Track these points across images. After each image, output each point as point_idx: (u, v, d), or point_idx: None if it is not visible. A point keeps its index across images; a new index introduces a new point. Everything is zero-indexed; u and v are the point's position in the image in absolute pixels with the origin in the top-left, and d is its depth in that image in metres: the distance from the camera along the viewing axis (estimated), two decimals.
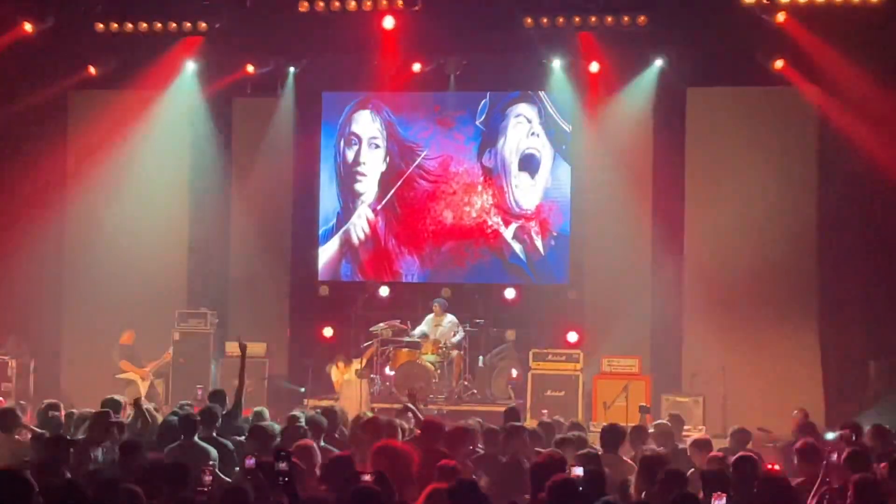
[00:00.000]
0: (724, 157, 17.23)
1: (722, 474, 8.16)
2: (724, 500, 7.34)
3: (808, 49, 15.67)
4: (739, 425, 11.26)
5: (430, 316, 17.54)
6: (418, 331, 17.48)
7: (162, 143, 18.21)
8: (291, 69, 18.11)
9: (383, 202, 18.60)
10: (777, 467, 8.89)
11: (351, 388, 16.22)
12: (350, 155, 18.77)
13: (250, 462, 7.87)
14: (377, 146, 18.70)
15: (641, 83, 17.36)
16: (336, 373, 16.63)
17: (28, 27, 16.63)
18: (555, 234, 18.19)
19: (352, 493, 7.25)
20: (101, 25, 16.75)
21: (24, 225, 17.78)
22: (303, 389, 17.37)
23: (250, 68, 17.85)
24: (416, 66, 17.82)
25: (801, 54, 15.86)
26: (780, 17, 15.53)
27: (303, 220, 18.81)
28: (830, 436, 12.62)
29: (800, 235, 16.80)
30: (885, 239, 15.95)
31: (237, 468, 9.33)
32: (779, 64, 16.42)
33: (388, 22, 16.45)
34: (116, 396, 11.85)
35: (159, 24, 16.74)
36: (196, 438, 9.81)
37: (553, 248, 18.21)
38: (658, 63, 17.14)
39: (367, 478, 7.79)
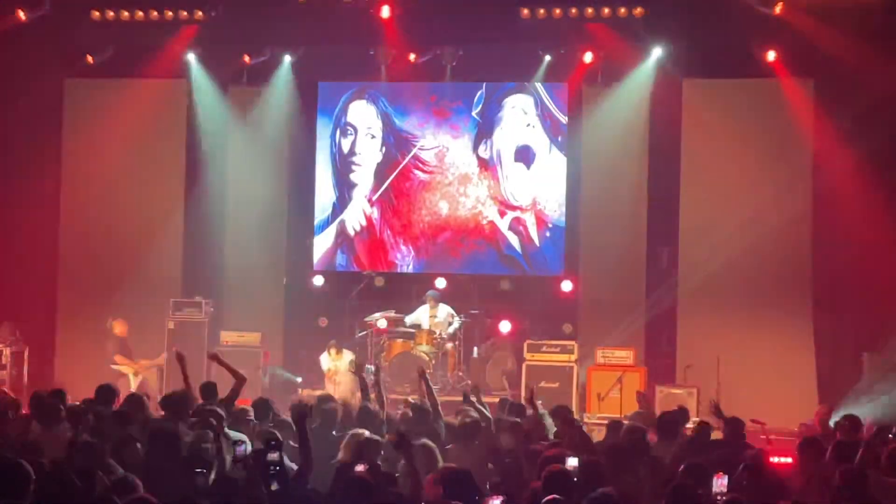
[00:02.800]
0: (720, 149, 17.19)
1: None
2: (725, 479, 7.39)
3: (805, 41, 15.67)
4: (732, 415, 11.26)
5: (425, 306, 17.55)
6: (411, 319, 17.49)
7: (158, 132, 18.19)
8: (288, 58, 18.08)
9: (379, 192, 18.59)
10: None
11: (344, 375, 16.22)
12: (346, 145, 18.76)
13: (240, 450, 7.86)
14: (373, 136, 18.68)
15: (638, 74, 17.36)
16: (328, 360, 16.62)
17: (22, 15, 16.58)
18: (550, 225, 18.19)
19: (346, 484, 7.25)
20: (96, 13, 16.72)
21: (19, 213, 17.77)
22: (299, 379, 17.38)
23: (247, 58, 17.84)
24: (413, 56, 17.81)
25: (798, 46, 15.87)
26: (778, 8, 15.53)
27: (298, 209, 18.79)
28: None
29: (794, 227, 16.78)
30: (880, 231, 15.94)
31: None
32: (775, 56, 16.44)
33: (385, 11, 16.47)
34: (111, 384, 11.83)
35: (155, 13, 16.72)
36: None
37: (548, 239, 18.22)
38: (654, 54, 17.14)
39: (360, 468, 7.80)
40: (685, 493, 7.21)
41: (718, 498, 7.32)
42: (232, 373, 11.61)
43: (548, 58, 17.57)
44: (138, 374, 16.26)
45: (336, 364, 16.52)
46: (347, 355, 16.55)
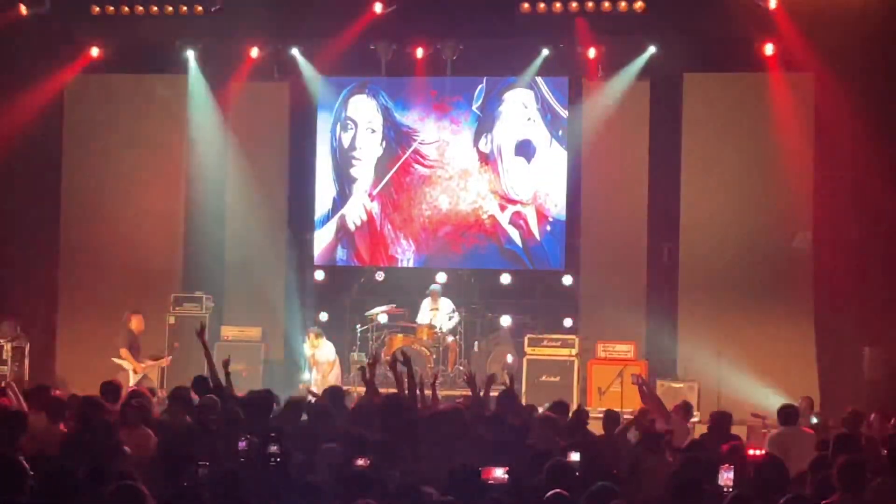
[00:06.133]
0: (720, 143, 17.23)
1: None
2: (731, 472, 7.36)
3: (805, 35, 15.67)
4: (728, 410, 11.36)
5: (427, 300, 17.58)
6: (418, 318, 17.56)
7: (158, 126, 18.20)
8: (296, 52, 18.04)
9: (379, 187, 18.58)
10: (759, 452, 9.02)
11: (324, 366, 16.39)
12: (346, 139, 18.75)
13: (243, 444, 7.87)
14: (373, 131, 18.67)
15: (638, 68, 17.35)
16: (308, 347, 16.70)
17: (23, 9, 16.59)
18: (550, 219, 18.18)
19: (346, 478, 7.26)
20: (97, 8, 16.72)
21: (21, 208, 17.79)
22: (305, 376, 17.41)
23: (254, 52, 17.80)
24: (413, 51, 17.81)
25: (798, 40, 15.86)
26: (773, 2, 15.55)
27: (299, 204, 18.79)
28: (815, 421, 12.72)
29: (795, 221, 16.80)
30: (881, 225, 15.95)
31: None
32: (775, 50, 16.44)
33: (385, 6, 16.48)
34: (116, 381, 11.89)
35: (155, 8, 16.71)
36: None
37: (549, 233, 18.20)
38: (655, 48, 17.13)
39: (360, 463, 7.81)
40: (690, 486, 7.20)
41: (725, 490, 7.30)
42: (206, 356, 11.68)
43: (547, 52, 17.54)
44: (138, 373, 16.24)
45: (315, 352, 16.57)
46: (326, 344, 16.61)
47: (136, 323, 16.54)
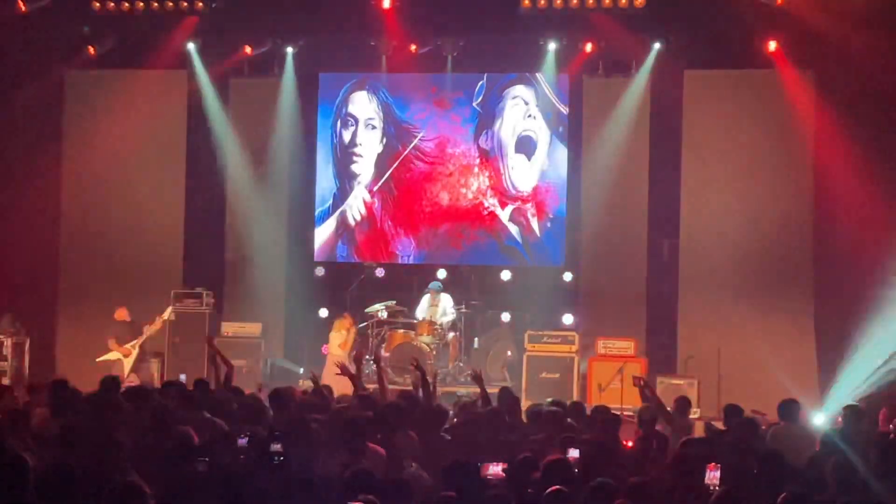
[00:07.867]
0: (721, 140, 17.22)
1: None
2: (718, 472, 7.36)
3: (806, 32, 15.66)
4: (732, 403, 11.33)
5: (427, 297, 17.57)
6: (417, 311, 17.56)
7: (158, 123, 18.20)
8: (289, 50, 18.10)
9: (380, 183, 18.59)
10: None
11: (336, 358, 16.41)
12: (346, 136, 18.75)
13: (243, 441, 7.87)
14: (374, 127, 18.67)
15: (639, 65, 17.35)
16: (334, 332, 16.67)
17: (22, 6, 16.58)
18: (551, 216, 18.19)
19: (351, 475, 7.27)
20: (97, 5, 16.72)
21: (21, 204, 17.78)
22: (301, 370, 17.42)
23: (248, 49, 17.87)
24: (414, 47, 17.82)
25: (799, 37, 15.86)
26: None
27: (299, 200, 18.79)
28: (819, 419, 12.72)
29: (795, 218, 16.81)
30: (881, 222, 15.94)
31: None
32: (776, 47, 16.43)
33: (386, 1, 16.48)
34: (115, 375, 11.89)
35: (156, 4, 16.71)
36: None
37: (549, 230, 18.21)
38: (656, 45, 17.13)
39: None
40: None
41: (711, 489, 7.29)
42: (223, 360, 11.68)
43: (549, 48, 17.55)
44: (129, 356, 16.16)
45: (333, 333, 16.56)
46: (337, 337, 16.61)
47: (118, 314, 16.52)
